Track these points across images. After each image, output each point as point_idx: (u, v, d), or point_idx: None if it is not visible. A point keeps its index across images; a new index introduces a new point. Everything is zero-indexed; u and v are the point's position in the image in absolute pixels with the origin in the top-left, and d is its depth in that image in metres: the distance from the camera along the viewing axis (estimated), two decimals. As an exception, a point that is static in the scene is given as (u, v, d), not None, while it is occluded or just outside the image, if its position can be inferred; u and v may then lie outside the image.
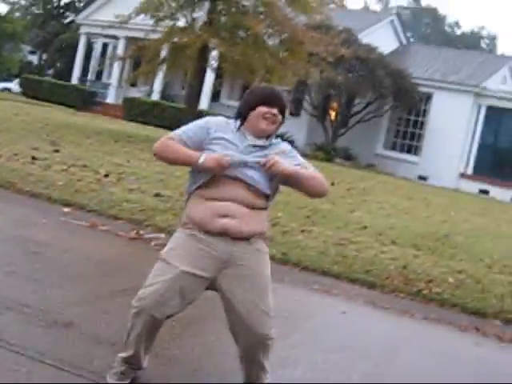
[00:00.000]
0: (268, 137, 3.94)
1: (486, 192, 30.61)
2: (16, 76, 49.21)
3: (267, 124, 3.87)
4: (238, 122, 3.96)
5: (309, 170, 4.01)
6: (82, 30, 41.90)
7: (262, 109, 3.86)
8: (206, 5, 21.36)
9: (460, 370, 5.58)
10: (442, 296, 7.55)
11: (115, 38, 38.20)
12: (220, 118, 4.06)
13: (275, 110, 3.87)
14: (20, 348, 4.19)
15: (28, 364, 4.00)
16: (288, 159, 3.91)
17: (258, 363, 4.01)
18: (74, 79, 41.75)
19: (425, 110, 33.83)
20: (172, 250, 3.91)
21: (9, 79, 50.65)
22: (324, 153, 31.37)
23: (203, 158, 3.75)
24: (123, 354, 3.94)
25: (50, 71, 53.53)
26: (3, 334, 4.37)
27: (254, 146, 3.89)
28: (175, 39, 21.46)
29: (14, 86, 46.19)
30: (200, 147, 3.85)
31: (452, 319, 7.00)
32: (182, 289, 3.77)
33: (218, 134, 3.89)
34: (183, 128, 3.96)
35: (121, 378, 3.93)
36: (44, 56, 57.79)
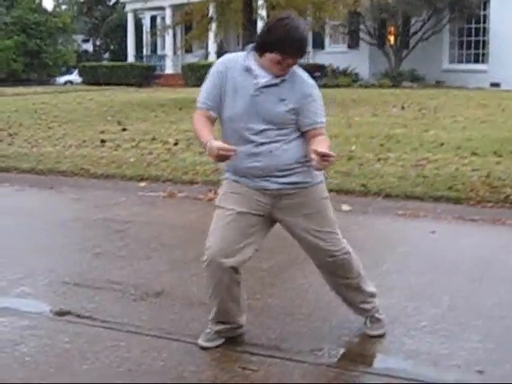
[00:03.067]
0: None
1: (563, 86, 29.57)
2: (74, 67, 49.85)
3: (280, 70, 3.63)
4: (251, 58, 3.70)
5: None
6: (128, 7, 41.99)
7: (277, 57, 3.56)
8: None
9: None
10: (532, 197, 7.36)
11: (161, 8, 38.19)
12: (228, 58, 3.81)
13: (291, 61, 3.58)
14: (116, 324, 4.26)
15: (126, 338, 4.05)
16: (302, 101, 3.67)
17: (348, 286, 4.03)
18: (130, 57, 42.00)
19: (484, 16, 32.76)
20: (224, 195, 3.90)
21: (69, 71, 51.32)
22: (390, 79, 30.84)
23: (208, 147, 3.58)
24: (211, 314, 3.95)
25: (106, 55, 54.07)
26: (98, 313, 4.45)
27: (266, 86, 3.67)
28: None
29: (75, 76, 46.78)
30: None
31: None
32: (243, 229, 3.76)
33: (228, 78, 3.70)
34: (203, 93, 3.74)
35: (210, 338, 3.95)
36: (97, 42, 58.35)
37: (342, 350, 3.88)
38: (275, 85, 3.65)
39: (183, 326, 4.22)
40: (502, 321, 4.26)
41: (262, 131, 3.67)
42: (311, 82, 3.76)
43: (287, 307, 4.51)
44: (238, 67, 3.70)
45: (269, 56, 3.59)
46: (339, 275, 3.99)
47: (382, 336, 4.03)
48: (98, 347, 3.92)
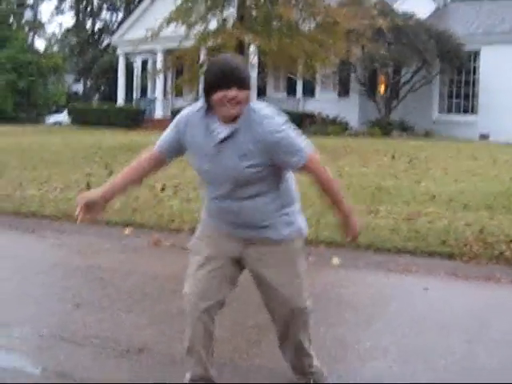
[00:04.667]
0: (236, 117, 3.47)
1: (551, 140, 29.64)
2: (64, 107, 49.85)
3: (230, 108, 3.40)
4: (203, 108, 3.53)
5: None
6: (119, 50, 42.08)
7: (219, 94, 3.36)
8: (235, 1, 21.12)
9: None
10: (526, 255, 7.17)
11: (153, 52, 38.25)
12: (188, 111, 3.63)
13: (233, 92, 3.35)
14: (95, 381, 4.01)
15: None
16: (269, 150, 3.43)
17: (299, 345, 3.84)
18: (120, 100, 41.98)
19: (474, 68, 33.01)
20: (196, 239, 3.84)
21: (59, 112, 51.30)
22: (380, 128, 30.88)
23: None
24: (189, 370, 3.79)
25: (96, 96, 54.16)
26: (75, 372, 4.20)
27: (223, 140, 3.46)
28: (210, 42, 21.30)
29: (64, 117, 46.74)
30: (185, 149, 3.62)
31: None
32: (215, 273, 3.67)
33: (188, 137, 3.55)
34: (162, 137, 3.65)
35: None
36: (88, 83, 58.48)
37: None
38: (230, 137, 3.44)
39: (165, 387, 3.98)
40: (502, 388, 4.05)
41: (230, 191, 3.50)
42: (273, 121, 3.46)
43: (276, 368, 4.27)
44: (197, 122, 3.54)
45: (214, 99, 3.39)
46: (293, 333, 3.80)
47: None
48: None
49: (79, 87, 60.46)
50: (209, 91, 3.40)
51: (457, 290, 6.31)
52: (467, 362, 4.44)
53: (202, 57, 23.41)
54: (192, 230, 8.32)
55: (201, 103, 3.54)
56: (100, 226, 8.97)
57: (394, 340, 4.83)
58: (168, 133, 3.63)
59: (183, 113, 3.62)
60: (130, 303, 5.68)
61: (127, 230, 8.66)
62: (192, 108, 3.61)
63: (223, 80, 3.36)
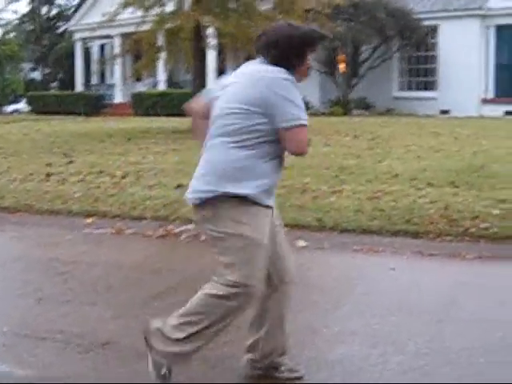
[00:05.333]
0: None
1: (511, 113, 29.89)
2: (22, 96, 49.09)
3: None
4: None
5: None
6: (76, 36, 41.52)
7: (309, 58, 3.61)
8: (191, -18, 20.88)
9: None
10: (491, 230, 7.18)
11: (110, 37, 37.78)
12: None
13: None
14: (58, 379, 3.90)
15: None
16: None
17: (281, 319, 3.82)
18: (78, 86, 41.48)
19: (433, 44, 33.06)
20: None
21: (17, 100, 50.51)
22: (341, 107, 30.86)
23: None
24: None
25: (54, 83, 53.42)
26: (39, 367, 4.10)
27: None
28: (167, 25, 21.05)
29: (22, 105, 46.08)
30: None
31: (506, 252, 6.65)
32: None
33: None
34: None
35: None
36: (46, 70, 57.64)
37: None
38: None
39: (130, 381, 3.88)
40: (473, 368, 4.01)
41: None
42: None
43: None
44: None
45: (307, 62, 3.60)
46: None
47: None
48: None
49: (37, 75, 59.58)
50: (304, 56, 3.55)
51: (423, 269, 6.28)
52: (436, 343, 4.40)
53: (160, 39, 23.15)
54: (155, 218, 8.29)
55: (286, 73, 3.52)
56: (61, 217, 8.83)
57: (362, 323, 4.78)
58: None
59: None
60: (92, 296, 5.57)
61: (89, 220, 8.51)
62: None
63: (319, 39, 3.65)
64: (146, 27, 21.97)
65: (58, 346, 4.46)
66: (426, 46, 33.15)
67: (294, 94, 3.43)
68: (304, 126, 3.46)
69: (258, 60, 3.61)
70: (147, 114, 31.37)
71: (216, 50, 27.13)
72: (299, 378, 3.85)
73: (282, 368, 3.85)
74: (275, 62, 3.52)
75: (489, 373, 3.94)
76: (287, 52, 3.52)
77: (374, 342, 4.42)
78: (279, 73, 3.45)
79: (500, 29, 31.40)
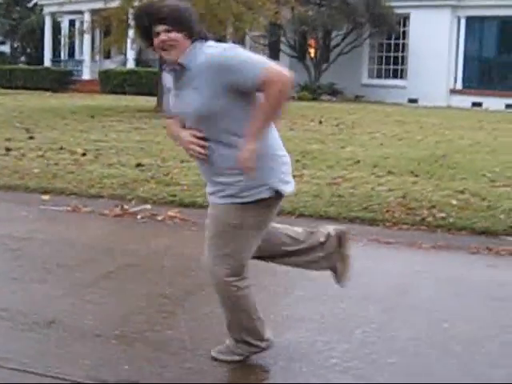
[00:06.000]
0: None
1: (479, 104, 30.12)
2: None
3: (164, 53, 3.36)
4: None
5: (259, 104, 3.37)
6: (46, 10, 41.04)
7: (155, 41, 3.35)
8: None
9: (475, 293, 5.22)
10: (448, 220, 7.20)
11: (80, 12, 37.31)
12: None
13: (162, 37, 3.31)
14: (-1, 360, 3.83)
15: (8, 377, 3.64)
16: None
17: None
18: (47, 61, 40.99)
19: (404, 32, 33.13)
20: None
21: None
22: (309, 92, 30.84)
23: None
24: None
25: (23, 58, 52.71)
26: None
27: (177, 80, 3.46)
28: (136, 3, 20.81)
29: (-10, 79, 45.44)
30: None
31: (461, 243, 6.66)
32: None
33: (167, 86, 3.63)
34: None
35: None
36: (15, 44, 56.86)
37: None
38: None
39: (71, 362, 3.82)
40: (418, 358, 4.00)
41: None
42: (217, 48, 3.39)
43: (189, 341, 4.15)
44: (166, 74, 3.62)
45: (155, 47, 3.39)
46: None
47: None
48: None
49: (6, 49, 58.75)
50: (146, 40, 3.38)
51: (378, 257, 6.26)
52: (384, 331, 4.38)
53: (130, 16, 22.92)
54: (112, 196, 8.21)
55: None
56: (18, 193, 8.71)
57: (312, 309, 4.76)
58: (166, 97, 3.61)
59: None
60: (43, 274, 5.49)
61: (45, 197, 8.39)
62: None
63: (144, 17, 3.35)
64: (115, 4, 21.75)
65: (1, 325, 4.38)
66: (396, 34, 33.20)
67: None
68: None
69: None
70: (114, 92, 31.13)
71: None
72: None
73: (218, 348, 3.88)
74: None
75: (433, 364, 3.93)
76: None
77: (322, 328, 4.40)
78: None
79: (471, 20, 31.57)
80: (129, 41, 25.19)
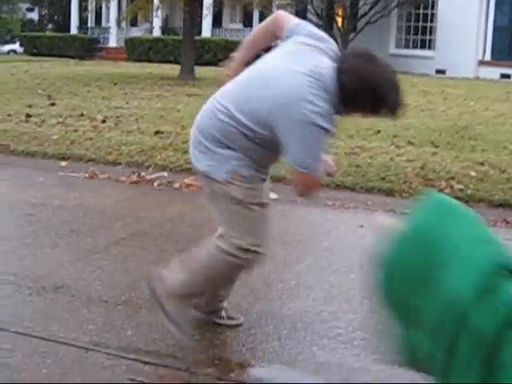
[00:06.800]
0: None
1: (507, 76, 29.70)
2: (19, 36, 48.55)
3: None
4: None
5: None
6: (73, -24, 41.01)
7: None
8: None
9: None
10: (466, 192, 7.09)
11: (107, -21, 37.25)
12: None
13: None
14: (3, 323, 3.85)
15: (12, 340, 3.67)
16: None
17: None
18: (73, 29, 41.03)
19: (433, 2, 32.70)
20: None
21: (14, 41, 49.93)
22: (336, 62, 30.55)
23: None
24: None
25: (50, 25, 52.81)
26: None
27: None
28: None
29: (18, 46, 45.57)
30: None
31: (479, 215, 6.55)
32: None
33: None
34: None
35: None
36: (43, 11, 56.94)
37: (235, 361, 3.55)
38: None
39: (76, 327, 3.83)
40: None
41: None
42: None
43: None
44: None
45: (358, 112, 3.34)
46: None
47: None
48: (-25, 351, 3.53)
49: (34, 16, 58.85)
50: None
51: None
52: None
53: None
54: (129, 164, 8.21)
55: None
56: (36, 159, 8.73)
57: (321, 279, 4.73)
58: None
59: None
60: (55, 239, 5.49)
61: (63, 163, 8.41)
62: None
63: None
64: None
65: (9, 289, 4.39)
66: (425, 4, 32.78)
67: None
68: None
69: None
70: (140, 60, 31.11)
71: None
72: (238, 326, 3.87)
73: (222, 313, 3.84)
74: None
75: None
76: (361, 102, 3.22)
77: (329, 298, 4.37)
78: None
79: (501, -10, 31.07)
80: (157, 9, 25.12)
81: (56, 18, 52.00)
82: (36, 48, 38.25)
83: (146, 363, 3.45)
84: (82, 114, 11.73)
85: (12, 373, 3.31)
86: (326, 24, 32.74)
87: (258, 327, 3.86)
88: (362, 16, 32.13)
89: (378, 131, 10.54)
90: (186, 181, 7.34)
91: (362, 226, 6.07)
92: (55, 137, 9.68)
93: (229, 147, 3.33)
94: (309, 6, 32.64)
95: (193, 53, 21.09)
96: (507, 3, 31.13)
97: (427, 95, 17.37)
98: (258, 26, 3.72)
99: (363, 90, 3.11)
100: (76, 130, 10.21)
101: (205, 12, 29.77)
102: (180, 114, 11.92)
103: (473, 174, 7.78)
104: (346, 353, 3.64)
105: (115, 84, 18.04)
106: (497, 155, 8.92)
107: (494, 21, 31.35)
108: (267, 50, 3.52)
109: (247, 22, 36.20)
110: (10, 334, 3.73)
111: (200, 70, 21.66)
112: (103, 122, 11.01)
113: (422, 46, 33.45)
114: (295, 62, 3.20)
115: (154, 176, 7.69)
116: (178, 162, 8.26)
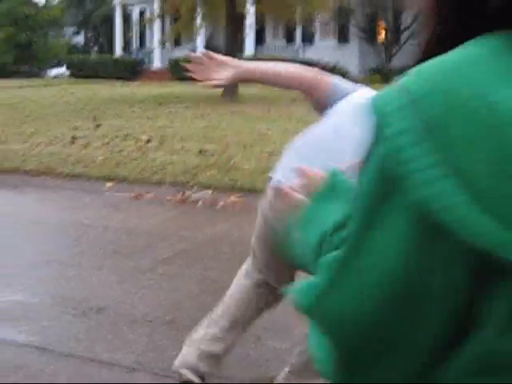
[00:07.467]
0: None
1: None
2: (65, 60, 49.36)
3: None
4: None
5: None
6: (116, 0, 41.58)
7: None
8: None
9: None
10: None
11: (150, 1, 37.74)
12: None
13: None
14: (48, 344, 3.86)
15: (55, 362, 3.68)
16: None
17: None
18: (118, 51, 41.57)
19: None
20: None
21: (60, 64, 50.81)
22: (380, 75, 30.45)
23: None
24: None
25: (96, 48, 53.63)
26: (32, 333, 4.06)
27: None
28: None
29: (64, 70, 46.34)
30: None
31: None
32: None
33: None
34: None
35: None
36: (88, 34, 57.90)
37: None
38: None
39: (120, 348, 3.83)
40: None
41: None
42: None
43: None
44: None
45: None
46: None
47: None
48: (20, 374, 3.54)
49: (80, 39, 59.82)
50: None
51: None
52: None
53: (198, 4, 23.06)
54: (173, 183, 8.23)
55: None
56: (81, 181, 8.81)
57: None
58: None
59: None
60: (100, 260, 5.52)
61: (109, 184, 8.47)
62: None
63: None
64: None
65: (56, 310, 4.42)
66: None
67: None
68: None
69: None
70: (185, 79, 31.34)
71: (254, 16, 26.91)
72: None
73: None
74: None
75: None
76: None
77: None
78: None
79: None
80: (201, 31, 25.32)
81: (101, 40, 52.80)
82: (82, 70, 38.80)
83: (189, 384, 3.42)
84: (126, 135, 11.83)
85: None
86: (369, 38, 32.70)
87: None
88: (405, 29, 31.94)
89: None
90: (230, 199, 7.33)
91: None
92: (100, 158, 9.77)
93: None
94: (352, 20, 32.57)
95: (235, 71, 21.12)
96: None
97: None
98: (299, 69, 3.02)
99: None
100: (121, 151, 10.29)
101: (246, 30, 29.92)
102: (224, 132, 11.95)
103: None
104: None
105: (160, 104, 18.20)
106: None
107: None
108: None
109: (290, 37, 36.27)
110: (55, 355, 3.74)
111: (243, 88, 21.70)
112: (148, 142, 11.09)
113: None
114: None
115: (198, 195, 7.70)
116: (222, 180, 8.26)
